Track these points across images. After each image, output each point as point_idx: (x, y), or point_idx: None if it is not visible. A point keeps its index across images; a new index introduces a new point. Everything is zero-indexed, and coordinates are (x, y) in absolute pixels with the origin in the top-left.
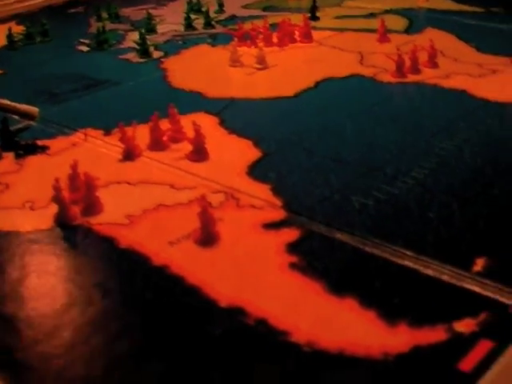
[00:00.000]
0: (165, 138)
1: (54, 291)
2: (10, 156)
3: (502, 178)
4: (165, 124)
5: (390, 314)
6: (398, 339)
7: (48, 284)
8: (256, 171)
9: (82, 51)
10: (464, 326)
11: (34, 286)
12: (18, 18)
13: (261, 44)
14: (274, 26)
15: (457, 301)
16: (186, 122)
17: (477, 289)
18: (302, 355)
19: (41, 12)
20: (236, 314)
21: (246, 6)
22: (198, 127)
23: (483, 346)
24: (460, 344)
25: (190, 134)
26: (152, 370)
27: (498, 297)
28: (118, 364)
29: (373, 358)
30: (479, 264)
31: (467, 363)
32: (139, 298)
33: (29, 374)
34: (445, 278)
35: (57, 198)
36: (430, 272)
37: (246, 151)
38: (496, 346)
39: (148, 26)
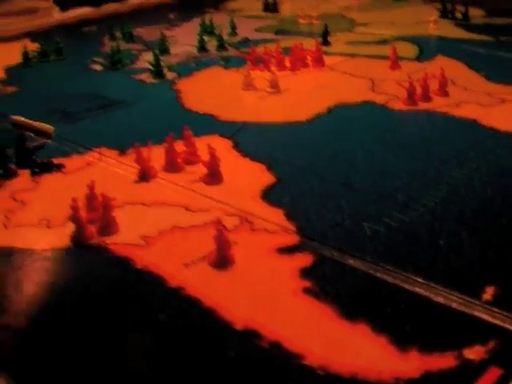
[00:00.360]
0: (179, 160)
1: (68, 309)
2: (25, 173)
3: (511, 208)
4: (179, 146)
5: (401, 339)
6: (409, 365)
7: (62, 302)
8: (270, 195)
9: (96, 70)
10: (474, 353)
11: (48, 304)
12: (32, 35)
13: (273, 68)
14: (286, 50)
15: (467, 328)
16: (201, 145)
17: (486, 317)
18: (316, 378)
19: (54, 30)
20: (251, 336)
21: (258, 29)
22: (212, 150)
23: (492, 374)
24: (470, 371)
25: (205, 156)
26: None
27: (506, 325)
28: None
29: (384, 383)
30: (489, 292)
31: None
32: (155, 318)
33: None
34: (455, 305)
35: (74, 218)
36: (440, 299)
37: (259, 175)
38: (505, 374)
39: (162, 47)
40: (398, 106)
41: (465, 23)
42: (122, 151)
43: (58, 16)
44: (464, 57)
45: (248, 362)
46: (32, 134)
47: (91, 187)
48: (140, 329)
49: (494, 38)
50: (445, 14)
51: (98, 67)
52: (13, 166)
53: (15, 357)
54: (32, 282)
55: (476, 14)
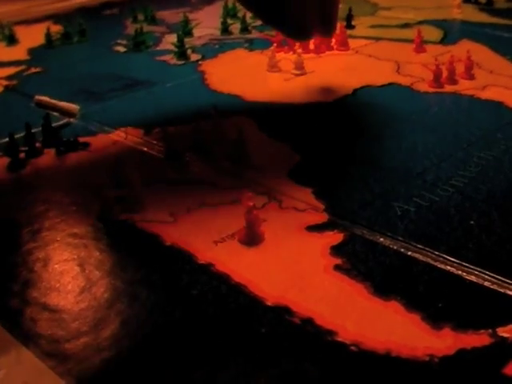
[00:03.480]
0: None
1: (98, 285)
2: (51, 152)
3: None
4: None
5: (435, 317)
6: (443, 342)
7: (92, 278)
8: (297, 175)
9: (119, 52)
10: (508, 331)
11: (78, 280)
12: (54, 18)
13: (298, 50)
14: None
15: (500, 307)
16: (227, 125)
17: None
18: (349, 354)
19: (76, 13)
20: (282, 312)
21: None
22: (241, 128)
23: None
24: (504, 349)
25: (232, 135)
26: (197, 366)
27: None
28: (164, 358)
29: (419, 359)
30: None
31: None
32: (185, 294)
33: (75, 365)
34: (487, 284)
35: (101, 195)
36: (472, 278)
37: (285, 155)
38: None
39: (185, 29)
40: (424, 88)
41: (488, 8)
42: (148, 130)
43: None
44: (488, 41)
45: (280, 338)
46: (57, 114)
47: (118, 164)
48: (172, 304)
49: None
50: None
51: (121, 49)
52: (38, 145)
53: None
54: (62, 259)
55: None
